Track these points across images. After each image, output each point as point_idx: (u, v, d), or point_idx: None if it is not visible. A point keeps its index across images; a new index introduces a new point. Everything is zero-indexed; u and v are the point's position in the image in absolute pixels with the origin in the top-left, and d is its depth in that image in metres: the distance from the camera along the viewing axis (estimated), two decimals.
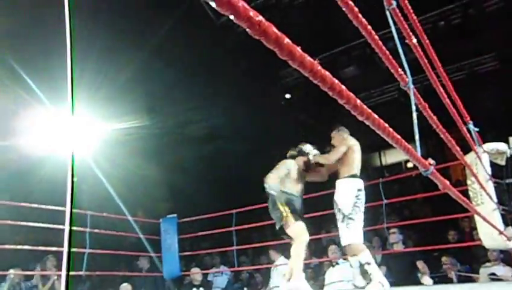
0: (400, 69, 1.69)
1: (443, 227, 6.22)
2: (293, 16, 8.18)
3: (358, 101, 0.98)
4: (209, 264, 8.08)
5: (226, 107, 9.89)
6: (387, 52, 1.53)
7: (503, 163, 3.94)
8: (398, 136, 1.24)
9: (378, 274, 3.82)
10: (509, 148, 3.96)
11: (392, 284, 4.30)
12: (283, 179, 4.23)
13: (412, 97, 2.08)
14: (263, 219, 6.78)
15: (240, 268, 7.55)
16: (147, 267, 7.33)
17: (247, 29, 0.71)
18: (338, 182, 4.09)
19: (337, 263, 5.81)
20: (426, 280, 5.25)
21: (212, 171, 11.61)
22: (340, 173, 4.11)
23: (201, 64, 8.76)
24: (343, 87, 0.91)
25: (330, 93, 0.91)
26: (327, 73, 0.86)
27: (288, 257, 4.39)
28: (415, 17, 2.06)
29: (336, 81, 0.89)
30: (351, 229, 3.88)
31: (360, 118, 1.03)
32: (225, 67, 9.33)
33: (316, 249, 8.77)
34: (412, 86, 1.87)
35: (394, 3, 1.81)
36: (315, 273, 7.14)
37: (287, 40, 0.76)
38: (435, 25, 8.14)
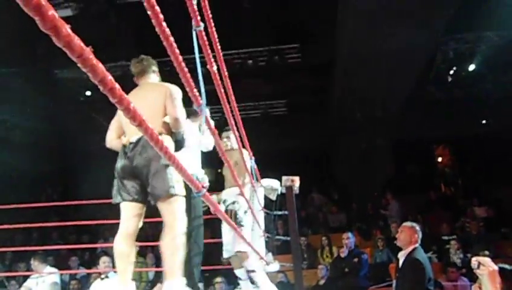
0: (196, 91, 1.68)
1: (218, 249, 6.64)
2: (111, 19, 7.88)
3: (132, 104, 0.91)
4: None
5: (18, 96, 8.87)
6: (187, 71, 1.51)
7: (274, 198, 4.40)
8: (172, 154, 1.21)
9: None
10: (280, 186, 4.44)
11: None
12: None
13: (203, 119, 2.13)
14: (31, 221, 6.07)
15: None
16: None
17: None
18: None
19: (106, 276, 5.53)
20: None
21: None
22: None
23: None
24: (117, 85, 0.83)
25: (101, 88, 0.82)
26: (100, 64, 0.77)
27: None
28: (218, 46, 2.12)
29: (110, 77, 0.80)
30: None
31: (133, 124, 0.97)
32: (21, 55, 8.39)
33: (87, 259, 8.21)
34: (205, 109, 1.90)
35: (202, 25, 1.83)
36: (81, 284, 6.73)
37: (53, 12, 0.63)
38: (243, 62, 8.79)
